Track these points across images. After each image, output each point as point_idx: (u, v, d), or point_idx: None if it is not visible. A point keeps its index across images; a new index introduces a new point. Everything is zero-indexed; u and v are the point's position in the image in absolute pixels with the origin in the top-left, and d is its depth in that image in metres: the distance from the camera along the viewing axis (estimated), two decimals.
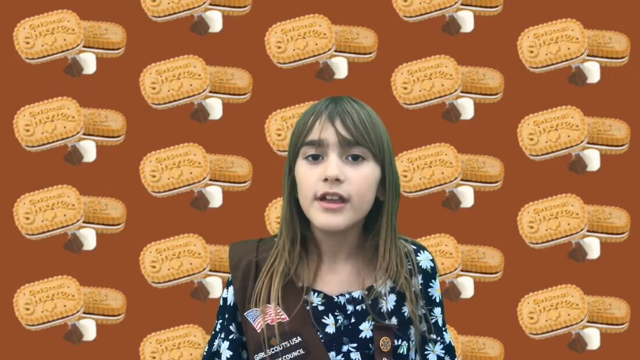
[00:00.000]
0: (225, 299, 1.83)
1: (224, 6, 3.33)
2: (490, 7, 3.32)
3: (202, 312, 3.28)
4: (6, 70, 3.30)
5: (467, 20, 3.32)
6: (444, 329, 1.82)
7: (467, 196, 3.31)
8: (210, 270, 3.28)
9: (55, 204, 3.27)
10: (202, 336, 3.27)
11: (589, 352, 3.28)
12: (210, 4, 3.32)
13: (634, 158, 3.31)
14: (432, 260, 1.82)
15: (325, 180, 1.69)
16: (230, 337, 1.81)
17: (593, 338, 3.27)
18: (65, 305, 3.25)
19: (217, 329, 1.85)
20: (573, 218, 3.29)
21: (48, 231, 3.27)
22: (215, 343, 1.83)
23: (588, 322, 3.27)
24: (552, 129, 3.30)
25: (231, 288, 1.81)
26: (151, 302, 3.27)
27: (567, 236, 3.30)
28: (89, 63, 3.30)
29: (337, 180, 1.68)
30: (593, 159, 3.30)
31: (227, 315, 1.82)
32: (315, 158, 1.71)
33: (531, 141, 3.30)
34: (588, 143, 3.31)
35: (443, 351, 1.81)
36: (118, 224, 3.29)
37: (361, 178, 1.70)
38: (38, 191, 3.28)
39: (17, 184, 3.28)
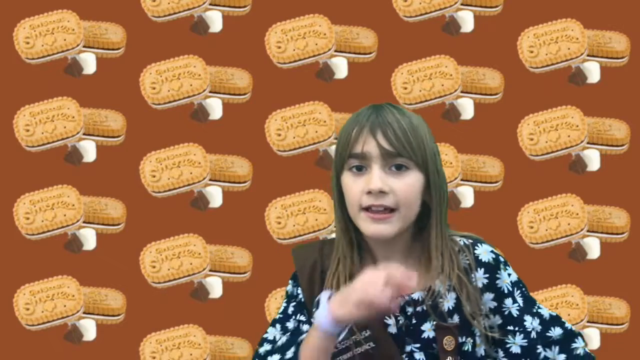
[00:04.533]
0: (296, 295, 1.79)
1: (224, 6, 3.32)
2: (490, 7, 3.32)
3: (202, 312, 3.28)
4: (6, 70, 3.30)
5: (467, 20, 3.32)
6: (526, 312, 1.81)
7: (467, 196, 3.31)
8: (210, 270, 3.28)
9: (55, 204, 3.27)
10: (202, 336, 3.27)
11: None
12: (210, 4, 3.32)
13: (634, 158, 3.31)
14: (493, 251, 1.83)
15: (369, 192, 1.70)
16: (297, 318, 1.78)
17: (593, 338, 3.26)
18: (65, 305, 3.25)
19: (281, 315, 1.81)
20: (573, 218, 3.29)
21: (48, 231, 3.27)
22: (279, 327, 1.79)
23: (588, 322, 3.27)
24: (552, 129, 3.30)
25: (299, 289, 1.79)
26: (151, 302, 3.27)
27: (567, 236, 3.29)
28: (89, 63, 3.30)
29: (382, 192, 1.70)
30: (593, 159, 3.30)
31: (295, 306, 1.79)
32: (359, 169, 1.73)
33: (531, 141, 3.30)
34: (588, 143, 3.31)
35: (525, 341, 1.77)
36: (118, 224, 3.29)
37: (406, 187, 1.71)
38: (38, 191, 3.28)
39: (17, 184, 3.28)
